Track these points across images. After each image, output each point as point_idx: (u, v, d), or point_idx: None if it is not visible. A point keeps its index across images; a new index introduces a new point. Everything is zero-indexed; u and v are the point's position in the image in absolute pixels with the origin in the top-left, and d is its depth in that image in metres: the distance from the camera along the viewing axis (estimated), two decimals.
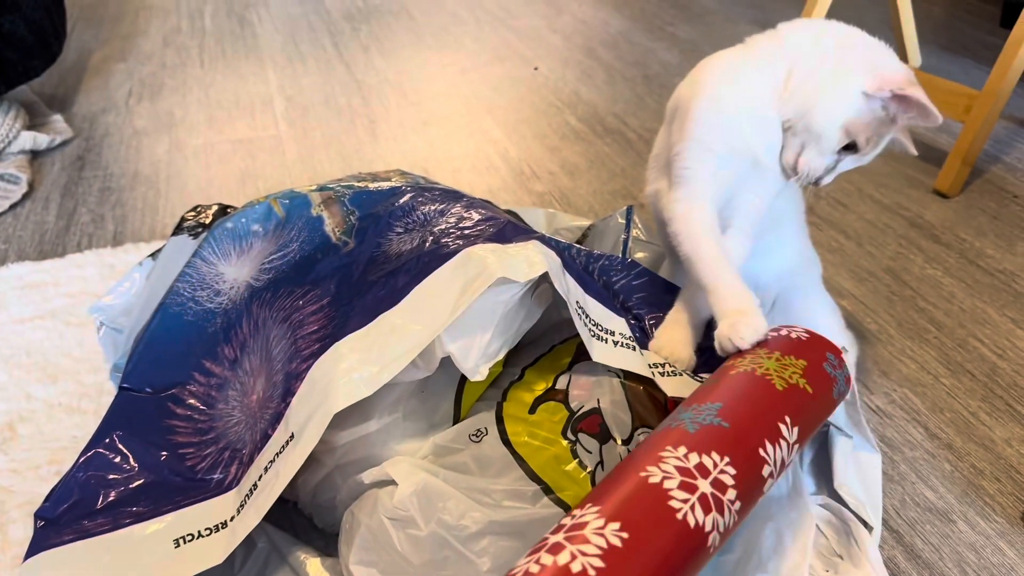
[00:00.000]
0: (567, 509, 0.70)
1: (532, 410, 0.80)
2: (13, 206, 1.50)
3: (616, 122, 1.76)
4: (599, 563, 0.51)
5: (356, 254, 0.82)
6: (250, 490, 0.71)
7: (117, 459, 0.76)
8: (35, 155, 1.67)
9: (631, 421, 0.77)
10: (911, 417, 1.01)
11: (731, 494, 0.59)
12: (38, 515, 0.74)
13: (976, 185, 1.49)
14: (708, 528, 0.56)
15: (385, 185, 0.91)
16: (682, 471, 0.58)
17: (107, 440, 0.78)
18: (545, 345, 0.89)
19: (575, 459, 0.74)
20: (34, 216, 1.47)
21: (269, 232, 0.88)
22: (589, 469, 0.74)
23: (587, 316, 0.79)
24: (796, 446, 0.67)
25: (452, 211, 0.85)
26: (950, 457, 0.95)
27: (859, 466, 0.87)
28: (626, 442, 0.76)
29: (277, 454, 0.68)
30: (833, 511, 0.84)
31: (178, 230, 1.04)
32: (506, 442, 0.76)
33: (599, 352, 0.77)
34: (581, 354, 0.85)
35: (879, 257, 1.30)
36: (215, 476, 0.75)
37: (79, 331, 1.14)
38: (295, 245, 0.86)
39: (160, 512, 0.72)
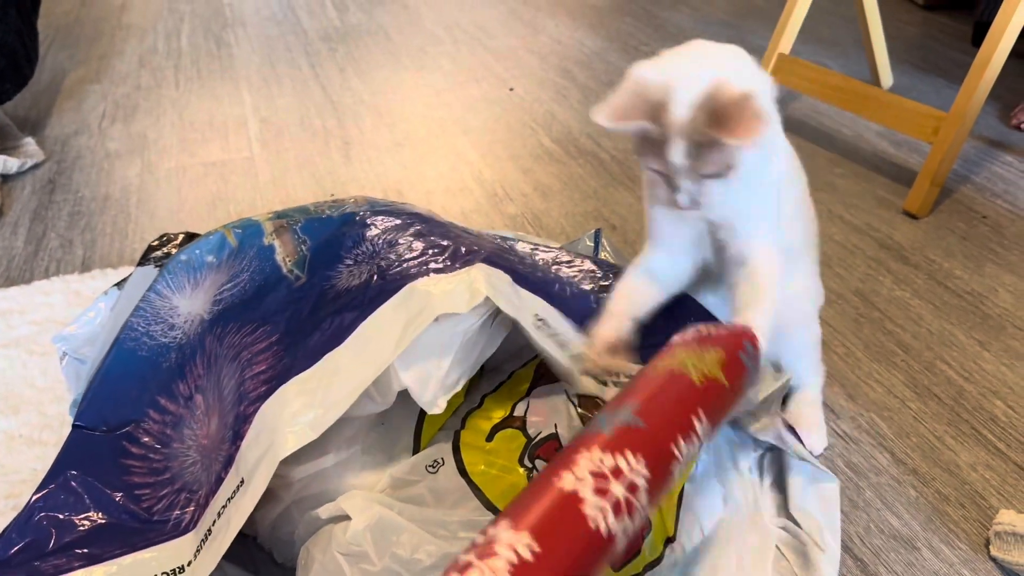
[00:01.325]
0: None
1: (489, 438, 0.79)
2: None
3: (590, 143, 1.76)
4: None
5: (306, 289, 0.82)
6: (206, 534, 0.70)
7: (71, 499, 0.75)
8: (5, 179, 1.66)
9: None
10: (877, 442, 1.01)
11: (642, 497, 0.58)
12: None
13: (945, 205, 1.50)
14: (618, 534, 0.56)
15: (336, 213, 0.90)
16: (596, 475, 0.57)
17: (60, 479, 0.77)
18: (507, 371, 0.89)
19: None
20: (2, 241, 1.45)
21: (222, 262, 0.87)
22: None
23: (547, 325, 0.78)
24: (703, 439, 0.67)
25: (400, 241, 0.84)
26: (915, 483, 0.95)
27: (817, 488, 0.87)
28: None
29: (229, 499, 0.67)
30: (792, 533, 0.84)
31: (144, 260, 1.03)
32: (463, 472, 0.76)
33: (564, 358, 0.77)
34: (539, 379, 0.85)
35: (848, 279, 1.30)
36: (170, 517, 0.74)
37: (42, 360, 1.13)
38: (246, 275, 0.85)
39: (113, 555, 0.71)
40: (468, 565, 0.51)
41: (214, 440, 0.75)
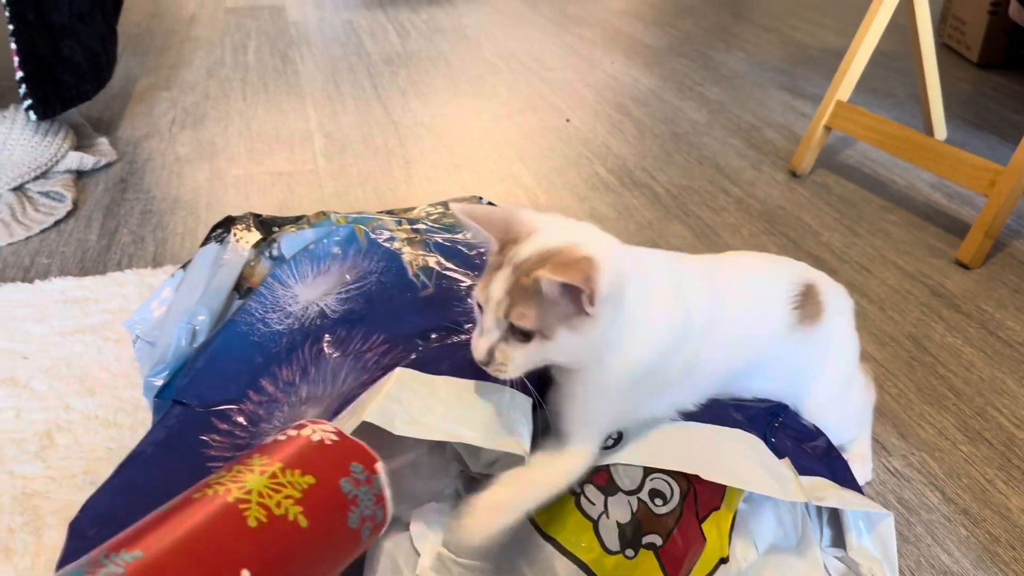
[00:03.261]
0: (577, 562, 0.71)
1: None
2: (57, 223, 1.54)
3: (645, 176, 1.80)
4: (334, 437, 0.60)
5: (434, 300, 0.86)
6: None
7: (148, 472, 0.79)
8: (80, 175, 1.73)
9: (643, 470, 0.78)
10: (928, 481, 1.02)
11: None
12: (72, 527, 0.76)
13: (998, 258, 1.51)
14: None
15: (460, 236, 0.95)
16: None
17: (144, 453, 0.80)
18: None
19: (579, 510, 0.75)
20: (77, 234, 1.51)
21: (348, 257, 0.91)
22: (594, 518, 0.74)
23: None
24: None
25: None
26: (966, 522, 0.97)
27: (873, 524, 0.88)
28: (635, 491, 0.76)
29: None
30: (849, 565, 0.86)
31: (206, 240, 1.08)
32: None
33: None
34: None
35: (901, 323, 1.32)
36: None
37: (117, 347, 1.17)
38: (373, 278, 0.88)
39: None
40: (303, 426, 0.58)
41: None
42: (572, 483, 0.75)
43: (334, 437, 0.62)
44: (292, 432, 0.61)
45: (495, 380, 0.73)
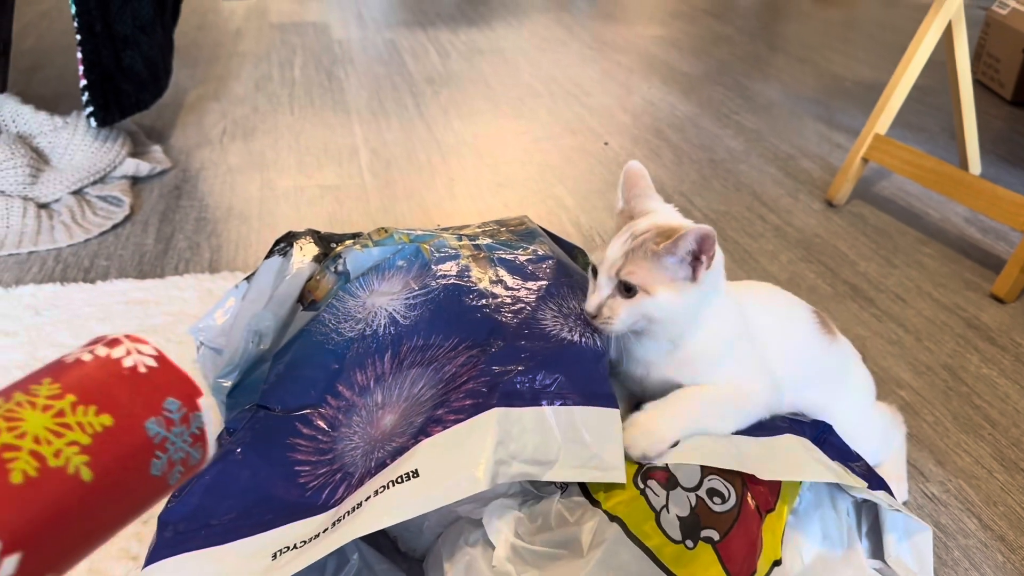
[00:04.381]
0: (641, 546, 0.75)
1: None
2: (115, 227, 1.60)
3: (683, 201, 1.84)
4: (152, 363, 0.50)
5: (508, 302, 0.90)
6: (352, 508, 0.76)
7: (238, 472, 0.83)
8: (136, 181, 1.78)
9: (700, 469, 0.82)
10: (965, 507, 1.05)
11: None
12: (161, 520, 0.80)
13: None
14: None
15: (522, 256, 0.99)
16: None
17: (233, 453, 0.84)
18: None
19: (645, 499, 0.79)
20: (134, 238, 1.56)
21: (414, 269, 0.95)
22: (657, 509, 0.78)
23: None
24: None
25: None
26: (1003, 549, 0.99)
27: (911, 537, 0.91)
28: (694, 488, 0.80)
29: (392, 483, 0.73)
30: (887, 575, 0.89)
31: (270, 254, 1.12)
32: (586, 493, 0.82)
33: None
34: None
35: (937, 353, 1.35)
36: (323, 495, 0.81)
37: (178, 348, 1.22)
38: (440, 284, 0.93)
39: (267, 527, 0.78)
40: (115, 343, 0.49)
41: (386, 432, 0.81)
42: (750, 409, 0.87)
43: (151, 363, 0.51)
44: (102, 351, 0.49)
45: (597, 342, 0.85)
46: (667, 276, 0.81)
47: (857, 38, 3.30)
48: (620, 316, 0.81)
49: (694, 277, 0.81)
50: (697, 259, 0.80)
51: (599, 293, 0.83)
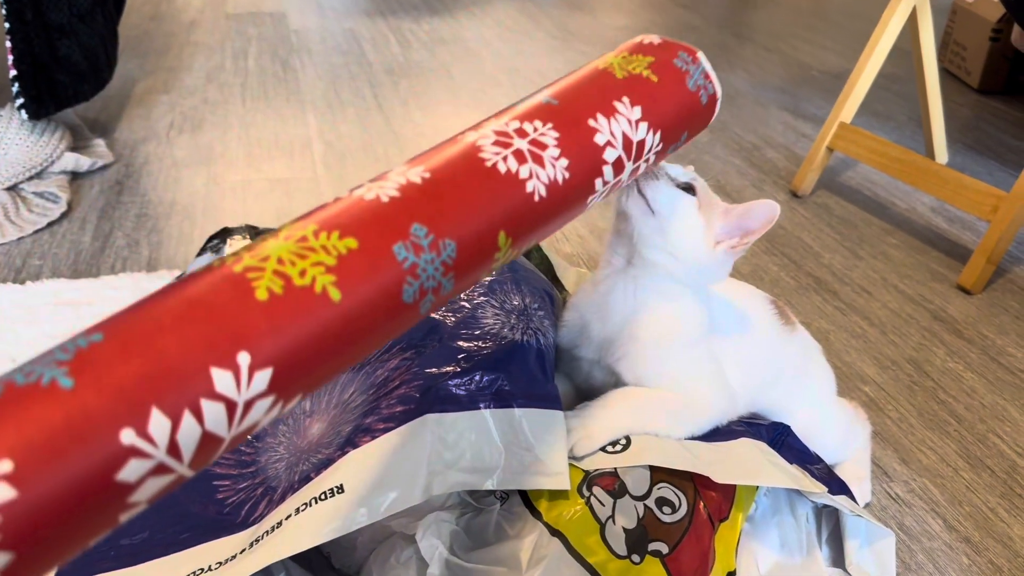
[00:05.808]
0: (583, 563, 0.70)
1: None
2: (50, 224, 1.52)
3: None
4: (395, 193, 0.51)
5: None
6: (272, 527, 0.71)
7: None
8: (75, 176, 1.71)
9: (650, 475, 0.77)
10: (930, 508, 1.01)
11: (552, 151, 0.57)
12: None
13: (999, 284, 1.51)
14: (524, 176, 0.56)
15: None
16: (499, 133, 0.57)
17: None
18: None
19: (590, 510, 0.74)
20: (70, 236, 1.49)
21: None
22: (602, 520, 0.73)
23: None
24: (650, 128, 0.63)
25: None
26: (968, 551, 0.95)
27: (873, 543, 0.87)
28: (642, 497, 0.75)
29: (315, 499, 0.68)
30: None
31: (202, 251, 1.06)
32: (527, 504, 0.77)
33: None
34: None
35: (902, 346, 1.31)
36: (242, 512, 0.75)
37: None
38: None
39: (182, 546, 0.72)
40: (365, 186, 0.52)
41: (313, 443, 0.76)
42: (702, 414, 0.82)
43: (658, 40, 0.64)
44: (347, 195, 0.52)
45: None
46: (714, 225, 0.80)
47: (825, 26, 3.26)
48: (665, 193, 0.78)
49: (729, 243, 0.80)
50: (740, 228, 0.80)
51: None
